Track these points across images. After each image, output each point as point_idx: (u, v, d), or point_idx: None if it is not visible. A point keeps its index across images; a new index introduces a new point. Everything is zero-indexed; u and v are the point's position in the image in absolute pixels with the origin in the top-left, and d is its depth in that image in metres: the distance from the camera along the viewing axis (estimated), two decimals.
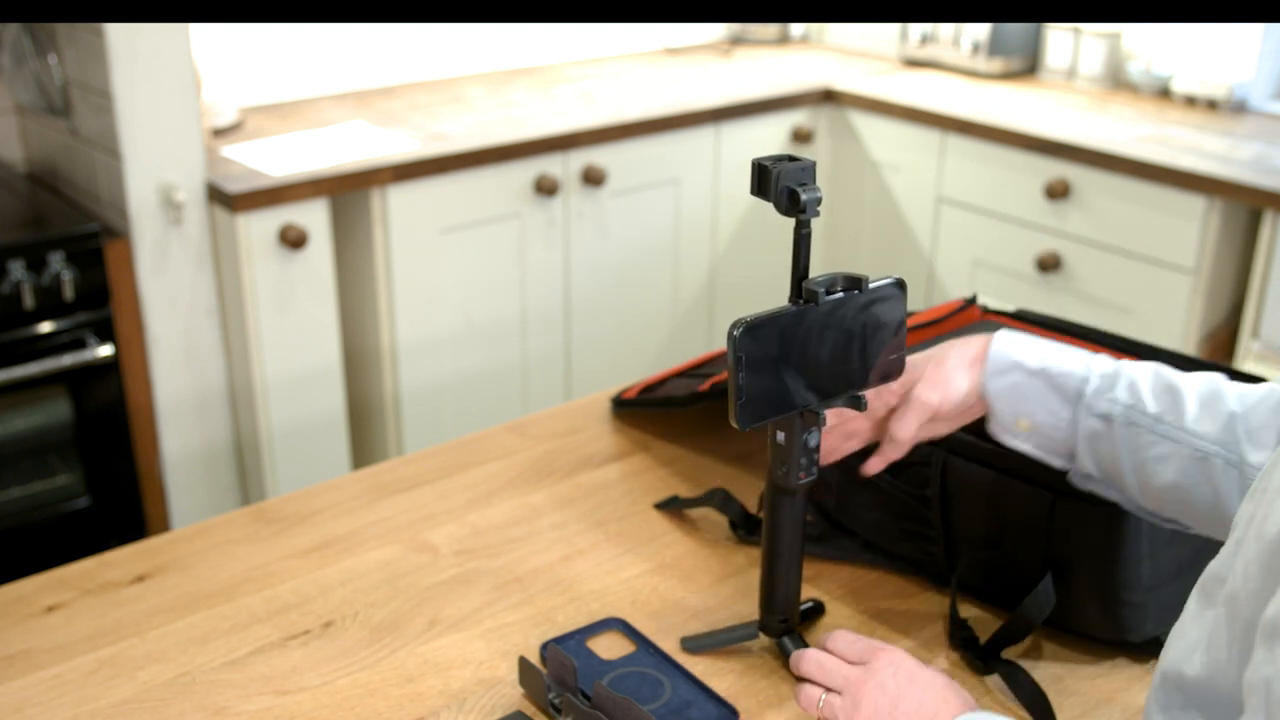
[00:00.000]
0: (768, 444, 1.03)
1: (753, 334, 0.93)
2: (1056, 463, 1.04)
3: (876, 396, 1.07)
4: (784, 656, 1.08)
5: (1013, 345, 1.04)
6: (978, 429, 1.13)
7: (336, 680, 1.06)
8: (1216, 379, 0.99)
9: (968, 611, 1.15)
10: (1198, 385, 0.98)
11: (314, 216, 2.30)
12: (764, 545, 1.08)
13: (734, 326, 0.92)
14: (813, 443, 1.02)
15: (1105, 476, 1.01)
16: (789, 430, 1.01)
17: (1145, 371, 1.00)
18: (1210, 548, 0.88)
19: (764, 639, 1.10)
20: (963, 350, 1.06)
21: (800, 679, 0.99)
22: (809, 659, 0.98)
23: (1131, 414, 0.98)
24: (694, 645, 1.10)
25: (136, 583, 1.19)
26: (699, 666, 1.08)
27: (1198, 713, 0.77)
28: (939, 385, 1.04)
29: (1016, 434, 1.04)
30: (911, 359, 1.06)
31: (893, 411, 1.07)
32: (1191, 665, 0.78)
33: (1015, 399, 1.03)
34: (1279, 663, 0.66)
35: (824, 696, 0.95)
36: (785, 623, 1.08)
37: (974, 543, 1.13)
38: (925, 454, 1.14)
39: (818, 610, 1.15)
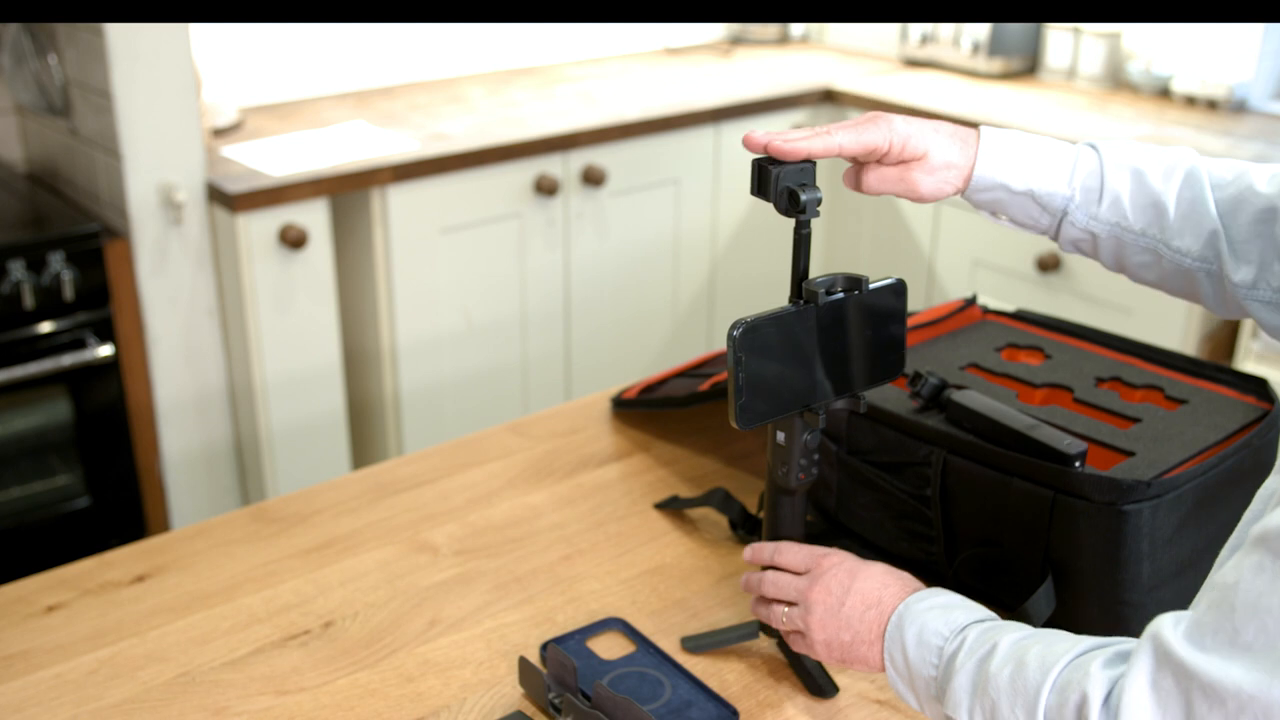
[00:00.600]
0: (767, 444, 1.03)
1: (752, 334, 0.93)
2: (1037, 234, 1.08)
3: (888, 135, 1.00)
4: (785, 656, 1.08)
5: (997, 166, 1.02)
6: (978, 429, 1.13)
7: (336, 680, 1.06)
8: (1195, 178, 1.01)
9: None
10: (1177, 189, 1.01)
11: (314, 216, 2.30)
12: None
13: (734, 327, 0.92)
14: (813, 443, 1.02)
15: (1086, 257, 1.07)
16: (789, 430, 1.01)
17: (1126, 181, 1.02)
18: (1213, 549, 0.88)
19: (764, 639, 1.10)
20: (953, 164, 1.02)
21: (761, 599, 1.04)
22: (767, 580, 1.03)
23: (1116, 230, 1.03)
24: (694, 645, 1.10)
25: (136, 583, 1.19)
26: (699, 666, 1.08)
27: None
28: (934, 182, 1.03)
29: (997, 221, 1.08)
30: (919, 129, 1.02)
31: (888, 158, 1.02)
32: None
33: (998, 207, 1.06)
34: (1243, 571, 0.69)
35: (785, 611, 1.01)
36: None
37: (974, 543, 1.13)
38: (925, 454, 1.14)
39: None
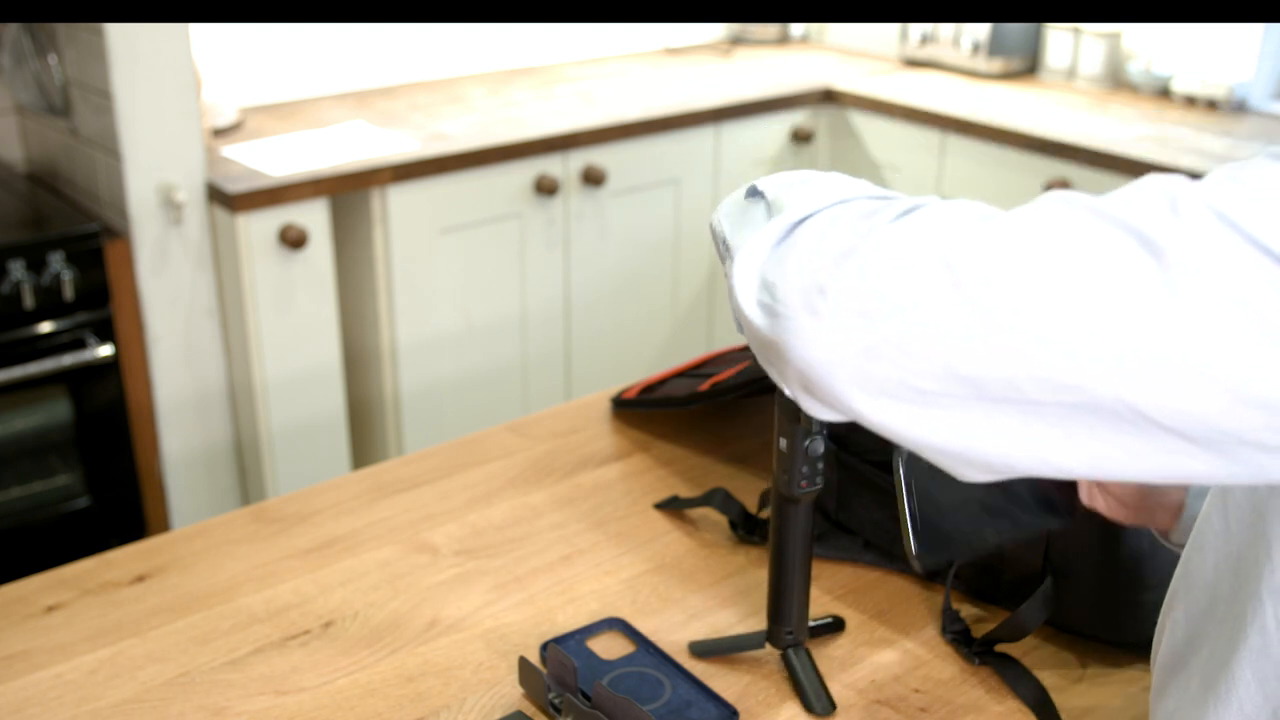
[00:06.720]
0: (772, 451, 1.02)
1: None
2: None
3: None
4: (788, 670, 1.07)
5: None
6: None
7: (336, 680, 1.06)
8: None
9: (968, 612, 1.15)
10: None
11: (314, 216, 2.30)
12: (770, 555, 1.06)
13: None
14: (815, 451, 0.99)
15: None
16: (790, 437, 0.99)
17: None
18: None
19: (769, 648, 1.08)
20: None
21: None
22: None
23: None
24: (701, 649, 1.10)
25: (136, 583, 1.19)
26: (699, 667, 1.08)
27: None
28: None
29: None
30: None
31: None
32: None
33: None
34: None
35: None
36: (792, 635, 1.05)
37: None
38: None
39: (837, 626, 1.13)
